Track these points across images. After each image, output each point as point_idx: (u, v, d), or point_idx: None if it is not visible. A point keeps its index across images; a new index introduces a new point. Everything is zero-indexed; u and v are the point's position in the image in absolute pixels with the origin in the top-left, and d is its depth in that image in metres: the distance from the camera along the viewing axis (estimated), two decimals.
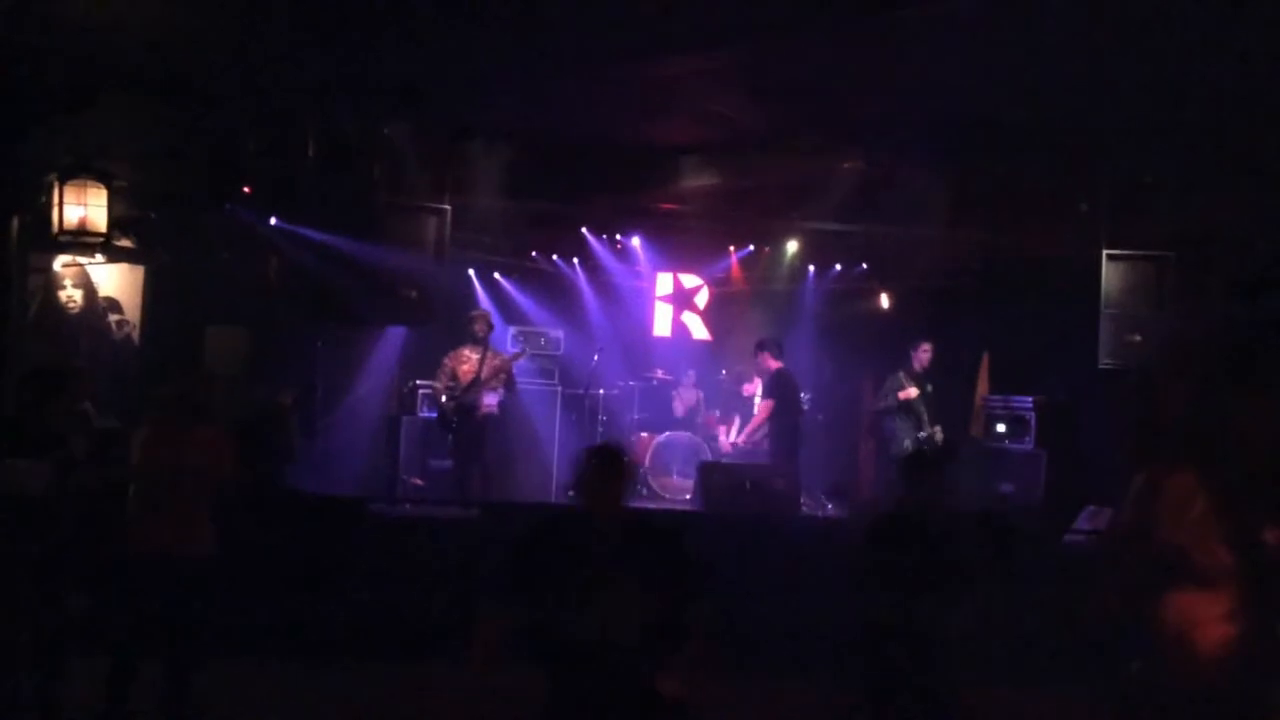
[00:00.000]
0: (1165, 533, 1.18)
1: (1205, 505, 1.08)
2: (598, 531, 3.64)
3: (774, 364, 9.77)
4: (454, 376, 9.57)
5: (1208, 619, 1.00)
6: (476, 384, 9.49)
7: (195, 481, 5.16)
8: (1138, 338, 9.03)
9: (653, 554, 3.65)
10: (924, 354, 9.85)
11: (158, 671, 5.14)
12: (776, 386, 9.72)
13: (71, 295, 8.80)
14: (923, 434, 9.67)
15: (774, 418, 9.69)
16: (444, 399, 9.56)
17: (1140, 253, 9.28)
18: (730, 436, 10.84)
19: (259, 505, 6.79)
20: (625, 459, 3.76)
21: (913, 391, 9.68)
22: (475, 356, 9.61)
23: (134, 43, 7.41)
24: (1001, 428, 10.07)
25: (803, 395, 10.07)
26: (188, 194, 8.70)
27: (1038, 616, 5.59)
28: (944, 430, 9.76)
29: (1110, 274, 9.24)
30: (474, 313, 10.02)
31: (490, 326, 9.93)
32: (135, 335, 8.99)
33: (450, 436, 9.60)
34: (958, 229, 9.88)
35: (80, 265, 8.74)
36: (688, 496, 9.98)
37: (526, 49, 7.48)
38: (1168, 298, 9.15)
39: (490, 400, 9.54)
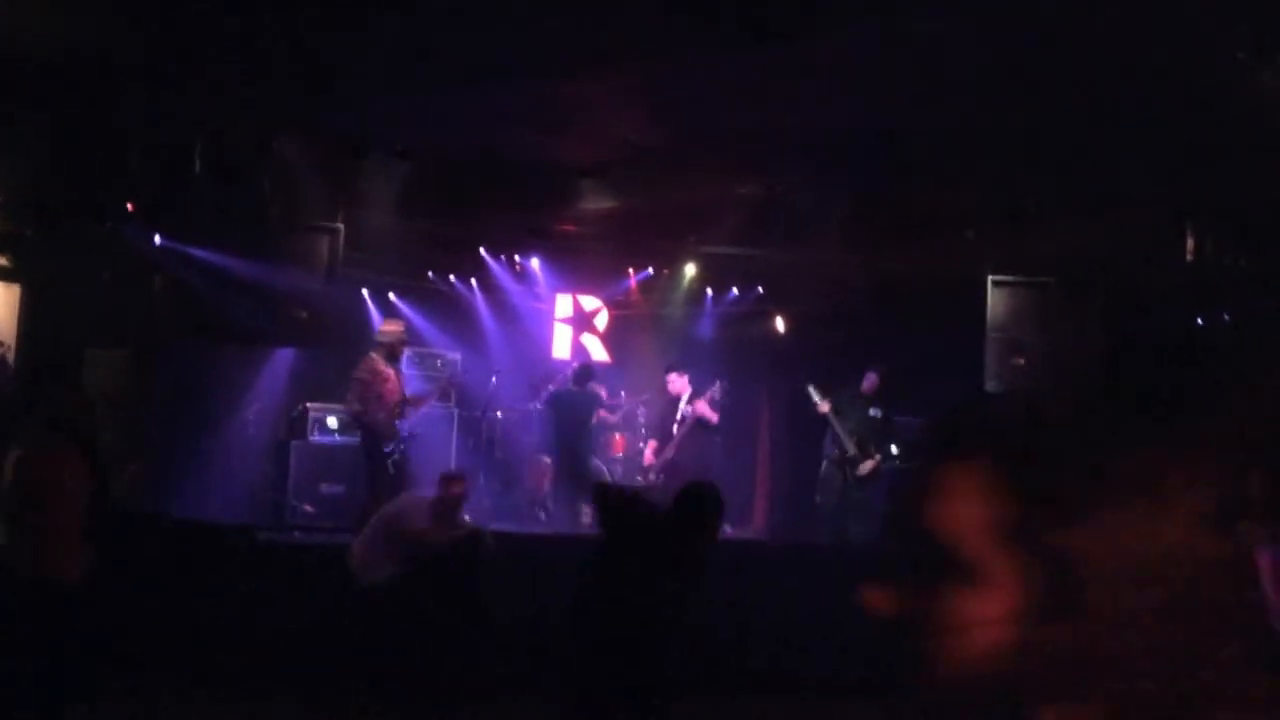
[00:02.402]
0: (939, 529, 1.15)
1: (990, 505, 1.07)
2: None
3: (680, 385, 9.95)
4: (379, 396, 8.78)
5: (979, 620, 1.00)
6: (402, 404, 8.95)
7: (66, 505, 4.99)
8: (1021, 360, 9.31)
9: None
10: (869, 379, 10.03)
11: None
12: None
13: None
14: (834, 452, 9.84)
15: (693, 439, 9.82)
16: (380, 416, 8.73)
17: (1024, 278, 9.58)
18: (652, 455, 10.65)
19: (138, 531, 6.58)
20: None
21: (823, 406, 9.84)
22: (393, 374, 8.97)
23: (13, 52, 7.15)
24: (894, 450, 10.24)
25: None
26: (67, 210, 8.40)
27: None
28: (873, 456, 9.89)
29: (995, 298, 9.51)
30: (393, 327, 9.36)
31: (405, 343, 9.40)
32: (10, 357, 8.62)
33: (376, 460, 8.85)
34: (849, 253, 10.07)
35: None
36: (586, 521, 9.92)
37: (422, 64, 7.41)
38: (1050, 321, 9.46)
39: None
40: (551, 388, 10.91)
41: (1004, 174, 8.80)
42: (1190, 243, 9.02)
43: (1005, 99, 7.50)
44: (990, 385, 9.30)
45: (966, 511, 0.97)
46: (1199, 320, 8.93)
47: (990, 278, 9.49)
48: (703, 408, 9.97)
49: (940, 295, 9.81)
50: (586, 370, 10.90)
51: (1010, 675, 1.00)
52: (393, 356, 8.99)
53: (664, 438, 10.24)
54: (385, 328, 9.28)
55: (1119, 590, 0.87)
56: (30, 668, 4.94)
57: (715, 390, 10.10)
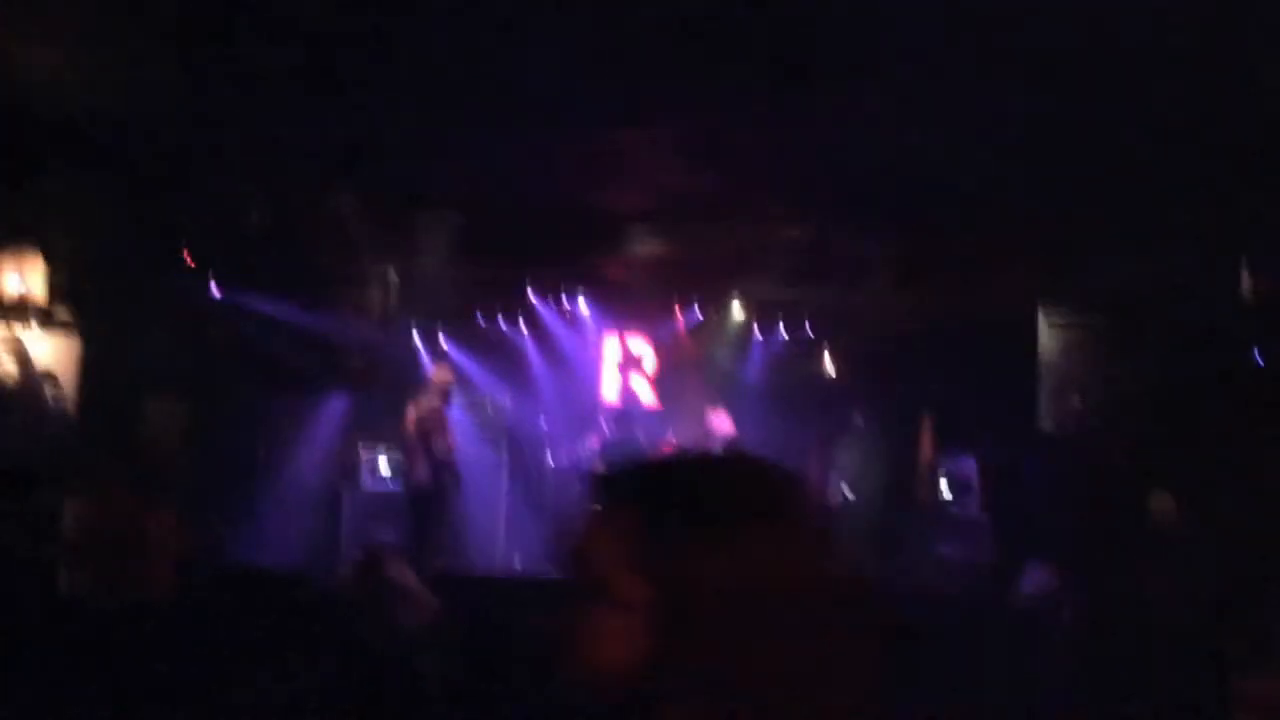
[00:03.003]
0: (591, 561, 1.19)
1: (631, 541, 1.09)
2: None
3: (724, 424, 9.95)
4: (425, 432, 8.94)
5: (609, 635, 1.01)
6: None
7: (135, 555, 5.07)
8: (1077, 400, 9.19)
9: None
10: None
11: None
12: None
13: (6, 368, 8.62)
14: None
15: None
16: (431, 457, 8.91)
17: (1076, 317, 9.48)
18: None
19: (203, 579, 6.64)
20: None
21: None
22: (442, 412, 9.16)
23: (75, 109, 7.37)
24: (946, 491, 10.13)
25: None
26: (128, 264, 8.60)
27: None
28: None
29: (1048, 337, 9.42)
30: (443, 374, 9.51)
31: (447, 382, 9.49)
32: (70, 407, 8.81)
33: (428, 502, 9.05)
34: (898, 293, 10.03)
35: (15, 337, 8.57)
36: None
37: (472, 115, 7.53)
38: (1104, 360, 9.35)
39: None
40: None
41: (1055, 209, 8.74)
42: (1246, 277, 8.89)
43: (1055, 132, 7.47)
44: (1046, 425, 9.18)
45: (610, 548, 1.01)
46: (1258, 355, 8.80)
47: (1043, 315, 9.39)
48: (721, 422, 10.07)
49: (992, 333, 9.73)
50: (625, 416, 11.01)
51: (643, 687, 1.04)
52: (444, 399, 9.17)
53: None
54: (436, 373, 9.46)
55: (755, 611, 0.92)
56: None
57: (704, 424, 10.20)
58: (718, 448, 10.14)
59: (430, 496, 8.95)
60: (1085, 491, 8.40)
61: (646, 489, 1.21)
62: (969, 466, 10.02)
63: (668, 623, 1.08)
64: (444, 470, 8.86)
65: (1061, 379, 9.42)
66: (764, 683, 1.05)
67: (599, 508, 1.22)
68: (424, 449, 8.89)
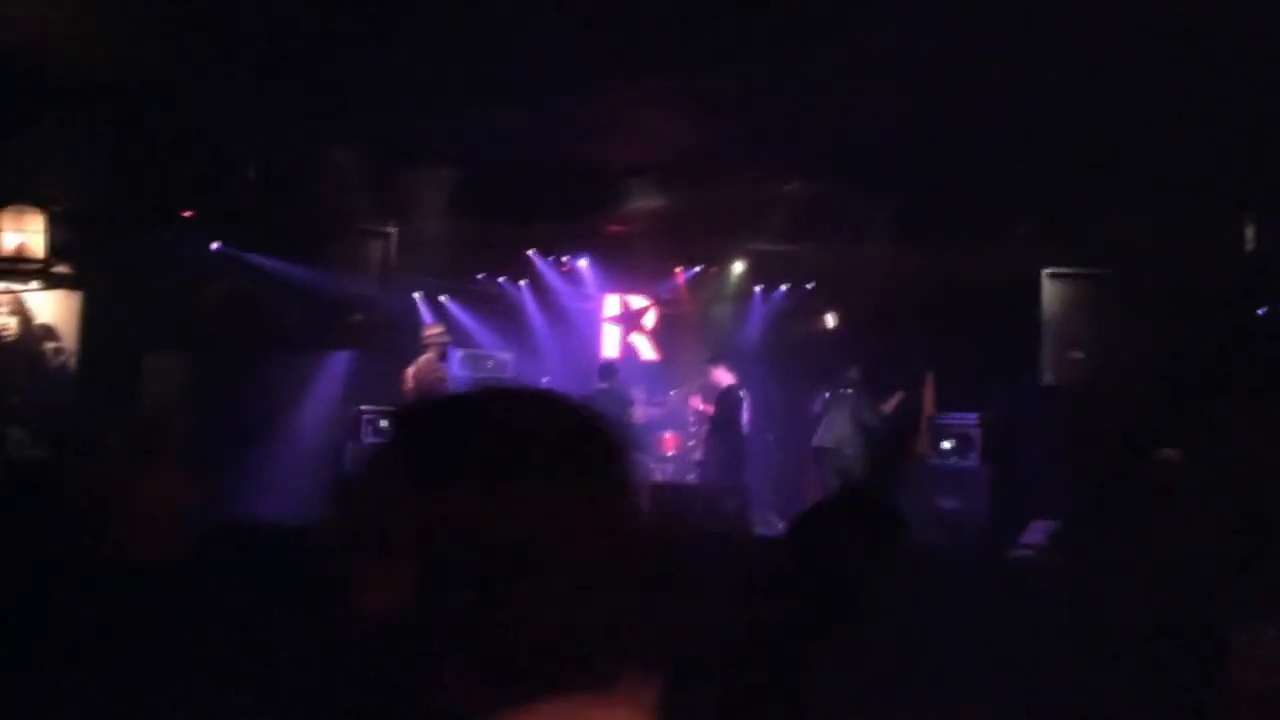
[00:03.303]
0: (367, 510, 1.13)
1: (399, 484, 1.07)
2: None
3: (726, 379, 9.95)
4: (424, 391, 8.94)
5: (375, 585, 1.00)
6: None
7: (138, 510, 5.06)
8: (1079, 354, 9.18)
9: None
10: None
11: None
12: (719, 401, 9.87)
13: (5, 323, 8.61)
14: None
15: (711, 433, 9.85)
16: None
17: (1080, 270, 9.45)
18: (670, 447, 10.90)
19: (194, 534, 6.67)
20: None
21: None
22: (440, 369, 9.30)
23: (73, 65, 7.30)
24: (947, 445, 10.14)
25: (744, 416, 10.18)
26: (127, 219, 8.56)
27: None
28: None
29: (1051, 292, 9.39)
30: (434, 329, 9.59)
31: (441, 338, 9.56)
32: (71, 363, 8.81)
33: None
34: (900, 249, 9.99)
35: (15, 293, 8.56)
36: None
37: (470, 73, 7.46)
38: (1107, 315, 9.33)
39: None
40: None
41: (1057, 166, 8.68)
42: (1250, 232, 8.84)
43: (1056, 89, 7.40)
44: (1047, 379, 9.18)
45: (378, 491, 0.97)
46: (1259, 312, 8.77)
47: (1045, 270, 9.35)
48: (694, 400, 10.07)
49: (995, 288, 9.70)
50: (609, 369, 10.85)
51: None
52: (441, 357, 9.26)
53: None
54: (428, 330, 9.52)
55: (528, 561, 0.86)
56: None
57: (706, 380, 10.19)
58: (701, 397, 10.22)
59: None
60: (1086, 445, 8.41)
61: (420, 427, 1.10)
62: (970, 420, 10.04)
63: (432, 573, 1.00)
64: None
65: (1063, 332, 9.40)
66: (536, 635, 0.98)
67: (380, 448, 1.13)
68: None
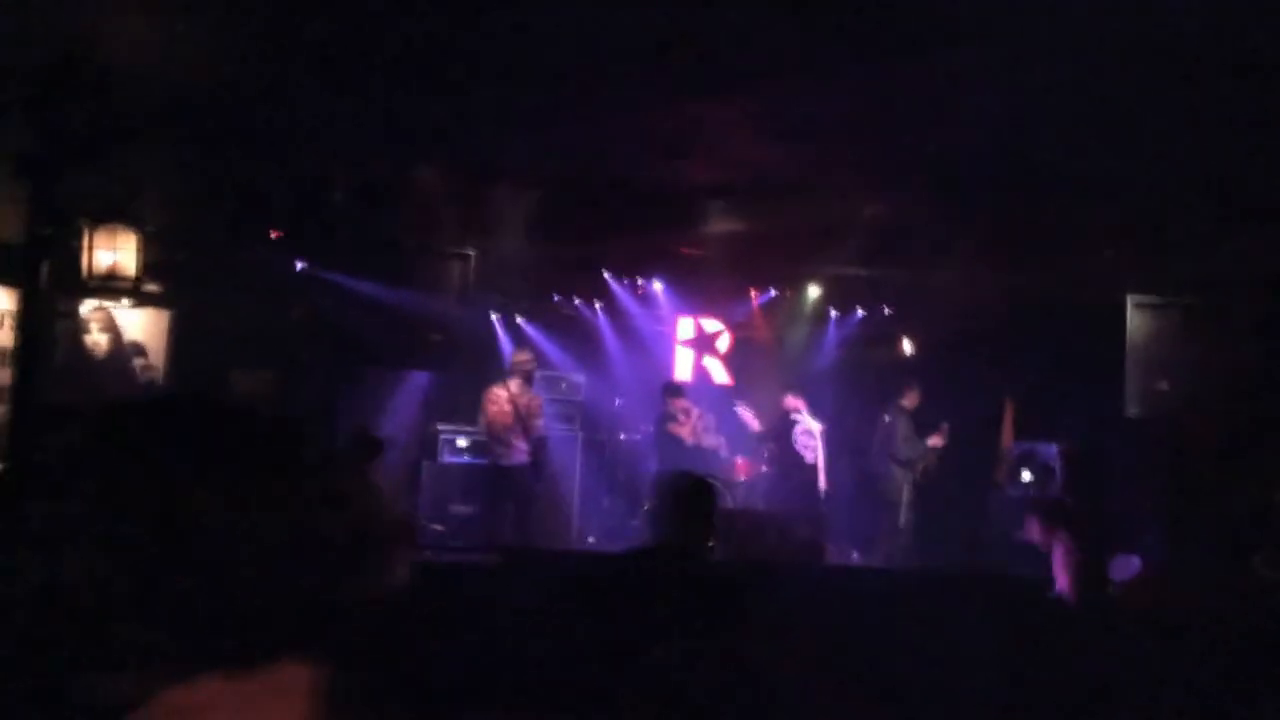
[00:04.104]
0: None
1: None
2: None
3: (794, 404, 9.91)
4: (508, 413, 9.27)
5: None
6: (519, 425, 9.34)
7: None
8: (1164, 385, 8.97)
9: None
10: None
11: None
12: (776, 427, 9.99)
13: (97, 340, 8.86)
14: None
15: (770, 460, 9.82)
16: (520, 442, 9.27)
17: (1166, 300, 9.25)
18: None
19: None
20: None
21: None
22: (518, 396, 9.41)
23: (164, 87, 7.50)
24: (1027, 475, 9.96)
25: (798, 443, 10.13)
26: (215, 238, 8.77)
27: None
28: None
29: (1135, 320, 9.20)
30: (525, 356, 9.71)
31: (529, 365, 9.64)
32: (159, 379, 9.03)
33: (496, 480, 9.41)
34: (981, 273, 9.86)
35: (106, 309, 8.80)
36: (710, 544, 9.88)
37: (551, 92, 7.54)
38: (1194, 344, 9.12)
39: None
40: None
41: (1144, 189, 8.51)
42: None
43: (1144, 112, 7.27)
44: (1132, 410, 8.98)
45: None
46: None
47: (1130, 298, 9.16)
48: (744, 414, 9.98)
49: (1077, 316, 9.53)
50: (674, 388, 10.77)
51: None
52: (529, 382, 9.38)
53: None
54: (517, 357, 9.61)
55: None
56: None
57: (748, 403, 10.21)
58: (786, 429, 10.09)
59: (514, 474, 9.19)
60: (1171, 477, 8.21)
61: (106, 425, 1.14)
62: (1050, 451, 9.86)
63: (100, 555, 1.03)
64: (533, 449, 9.17)
65: (1148, 362, 9.19)
66: (194, 615, 0.99)
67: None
68: (509, 430, 9.13)
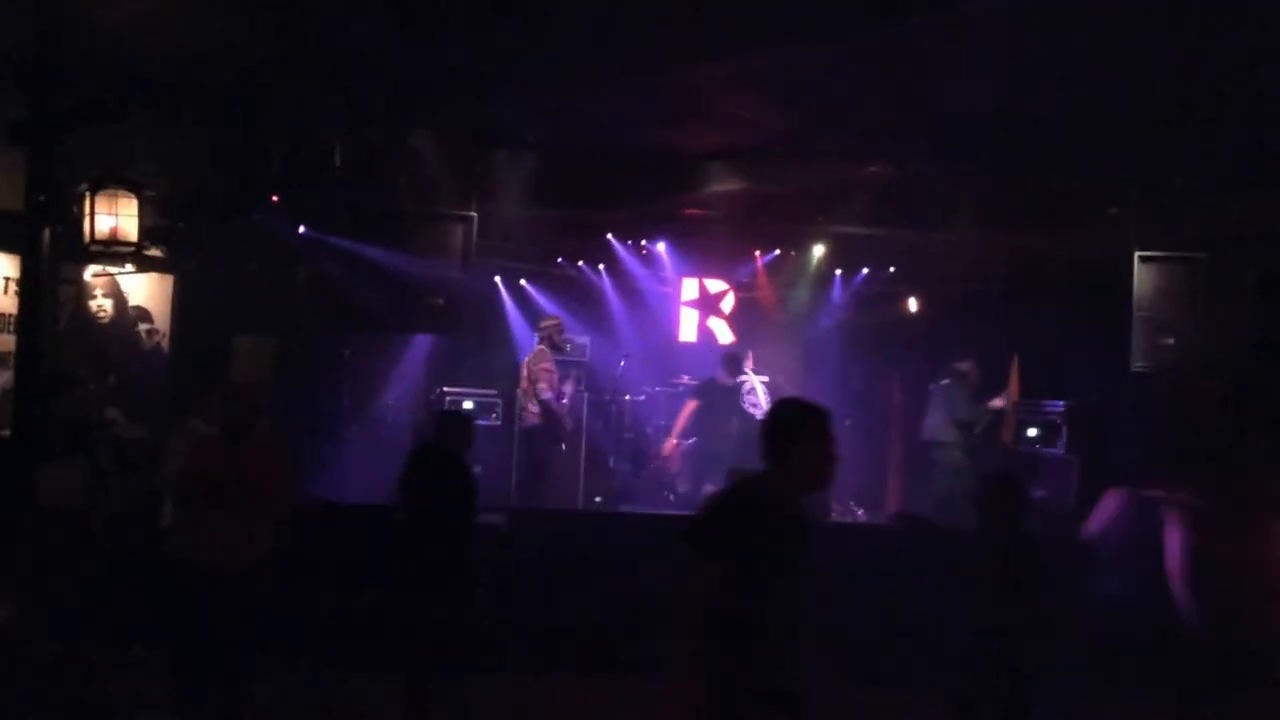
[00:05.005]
0: None
1: None
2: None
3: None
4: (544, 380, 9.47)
5: None
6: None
7: (244, 497, 5.13)
8: (1170, 340, 8.93)
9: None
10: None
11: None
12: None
13: (102, 305, 8.87)
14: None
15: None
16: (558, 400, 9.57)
17: (1172, 254, 9.19)
18: None
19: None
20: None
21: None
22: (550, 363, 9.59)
23: (162, 55, 7.46)
24: (1033, 433, 9.96)
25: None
26: (216, 204, 8.75)
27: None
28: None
29: (1142, 276, 9.14)
30: (550, 320, 9.93)
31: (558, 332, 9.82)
32: (165, 344, 9.05)
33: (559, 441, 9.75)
34: (986, 232, 9.80)
35: (110, 275, 8.80)
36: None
37: (549, 54, 7.47)
38: (1200, 300, 9.07)
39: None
40: (687, 379, 11.02)
41: (1149, 147, 8.43)
42: None
43: (1148, 68, 7.18)
44: (1138, 366, 8.95)
45: None
46: None
47: (1137, 254, 9.11)
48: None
49: (1082, 273, 9.47)
50: (734, 359, 10.57)
51: None
52: (553, 346, 9.57)
53: None
54: (542, 322, 9.90)
55: None
56: (198, 652, 5.11)
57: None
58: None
59: (526, 436, 9.47)
60: (1176, 432, 8.18)
61: None
62: (1056, 407, 9.85)
63: None
64: (541, 412, 9.37)
65: (1154, 317, 9.14)
66: None
67: None
68: (524, 393, 9.43)
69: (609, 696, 6.64)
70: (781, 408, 3.63)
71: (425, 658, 5.73)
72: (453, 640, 5.61)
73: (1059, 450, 9.72)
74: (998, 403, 9.78)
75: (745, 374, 10.45)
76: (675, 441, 10.42)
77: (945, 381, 9.85)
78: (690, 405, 10.31)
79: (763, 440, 3.51)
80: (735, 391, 10.37)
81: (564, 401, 9.75)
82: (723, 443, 9.94)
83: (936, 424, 9.79)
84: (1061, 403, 9.83)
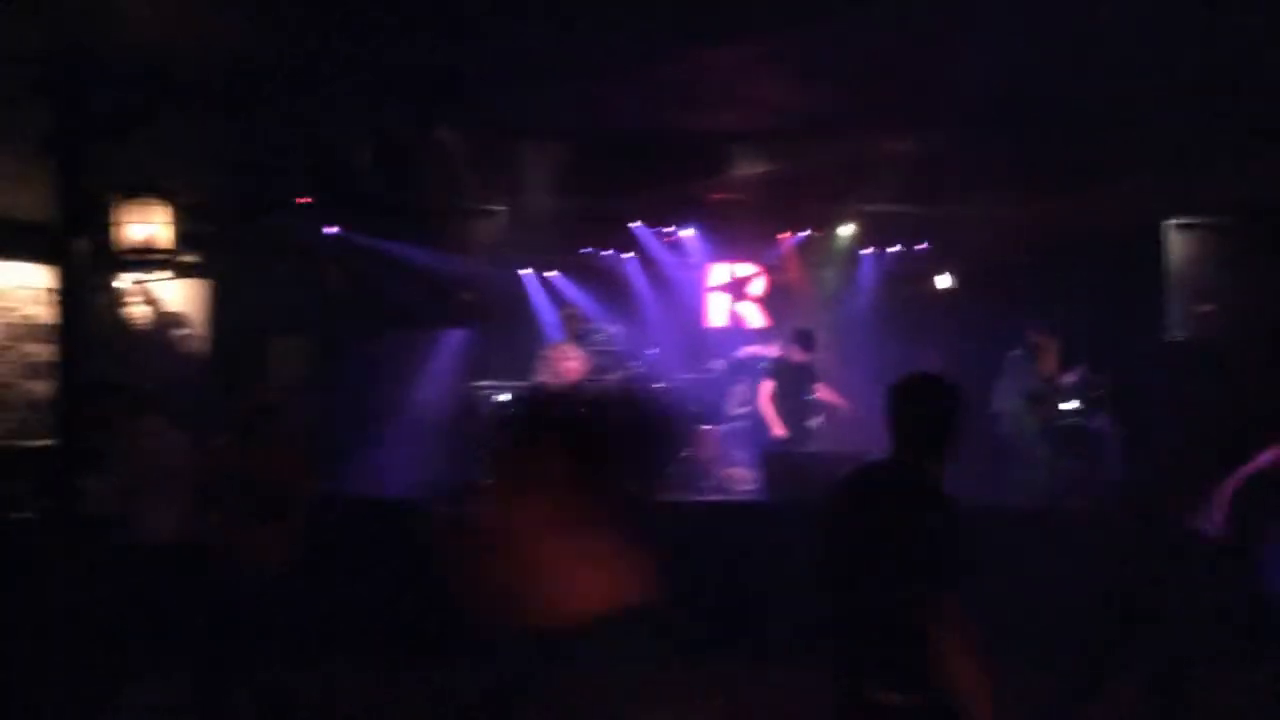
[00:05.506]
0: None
1: None
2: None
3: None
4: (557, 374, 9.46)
5: None
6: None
7: (276, 495, 5.21)
8: (1209, 307, 8.84)
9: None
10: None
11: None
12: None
13: (137, 313, 8.96)
14: None
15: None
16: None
17: (1205, 220, 9.08)
18: None
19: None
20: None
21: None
22: (577, 354, 9.55)
23: (186, 59, 7.50)
24: (1069, 406, 9.86)
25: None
26: (246, 207, 8.82)
27: None
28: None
29: (1175, 243, 9.04)
30: (567, 309, 9.85)
31: (581, 323, 9.79)
32: (201, 349, 9.14)
33: None
34: (1014, 204, 9.70)
35: (145, 283, 8.90)
36: (750, 487, 9.92)
37: (571, 44, 7.45)
38: (1234, 265, 8.96)
39: None
40: (739, 354, 10.86)
41: (1179, 111, 8.31)
42: None
43: (1179, 30, 7.07)
44: (1174, 334, 8.85)
45: None
46: None
47: (1170, 222, 9.00)
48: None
49: (1116, 243, 9.36)
50: (807, 335, 10.14)
51: None
52: (575, 336, 9.50)
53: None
54: (562, 311, 9.87)
55: None
56: (238, 652, 5.19)
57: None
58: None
59: None
60: (1219, 401, 8.10)
61: None
62: (1097, 379, 9.73)
63: None
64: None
65: (1189, 286, 9.04)
66: None
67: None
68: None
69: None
70: (947, 389, 3.41)
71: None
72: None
73: (1099, 423, 9.61)
74: (1069, 377, 9.58)
75: (815, 350, 10.08)
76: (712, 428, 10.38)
77: (1017, 352, 9.67)
78: (768, 386, 10.01)
79: (932, 426, 3.32)
80: (809, 368, 10.04)
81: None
82: (799, 422, 9.73)
83: (1005, 397, 9.62)
84: (1101, 373, 9.71)
